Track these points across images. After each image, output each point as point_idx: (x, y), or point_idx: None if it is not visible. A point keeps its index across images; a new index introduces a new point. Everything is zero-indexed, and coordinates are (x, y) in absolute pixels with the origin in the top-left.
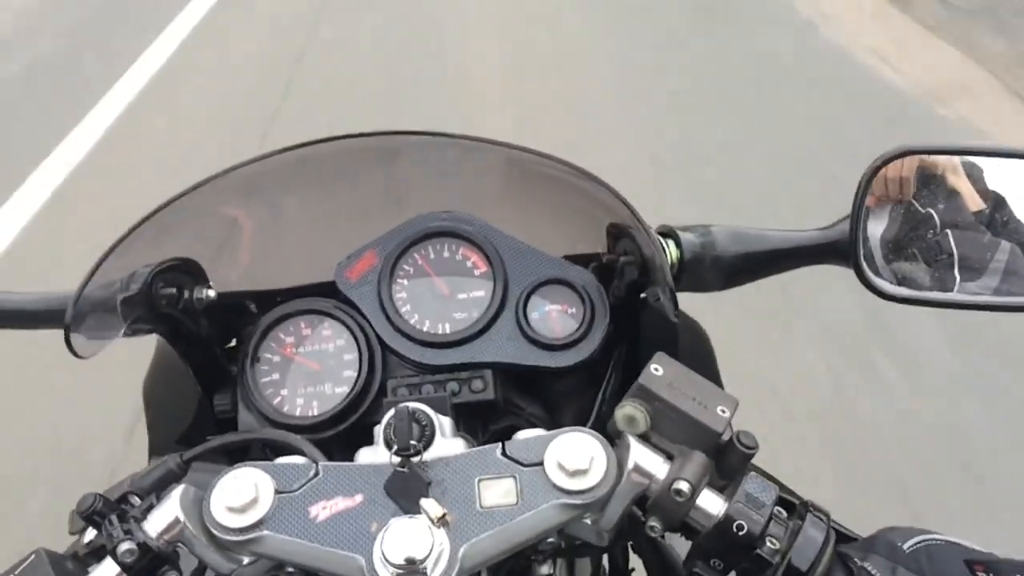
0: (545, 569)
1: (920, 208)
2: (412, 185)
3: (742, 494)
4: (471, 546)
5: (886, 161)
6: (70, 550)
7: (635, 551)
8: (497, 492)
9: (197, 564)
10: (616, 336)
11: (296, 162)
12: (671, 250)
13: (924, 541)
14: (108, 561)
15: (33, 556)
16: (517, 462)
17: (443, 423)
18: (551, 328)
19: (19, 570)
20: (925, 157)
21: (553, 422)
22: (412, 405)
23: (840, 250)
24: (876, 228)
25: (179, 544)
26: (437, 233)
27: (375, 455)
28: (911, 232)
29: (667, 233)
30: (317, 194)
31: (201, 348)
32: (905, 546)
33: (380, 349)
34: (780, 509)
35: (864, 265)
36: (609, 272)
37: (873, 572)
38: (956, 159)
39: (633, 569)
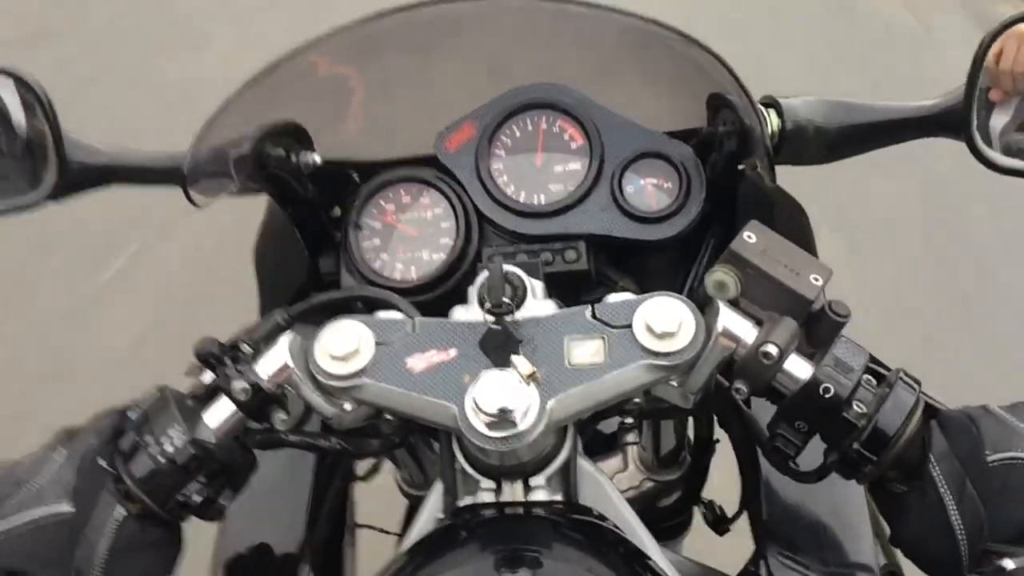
0: (631, 437)
1: None
2: (512, 56)
3: (831, 358)
4: (559, 400)
5: (1006, 25)
6: (189, 391)
7: (720, 425)
8: (586, 351)
9: (303, 408)
10: (712, 212)
11: (400, 27)
12: (772, 119)
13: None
14: (223, 399)
15: (157, 393)
16: (606, 324)
17: (535, 286)
18: (646, 201)
19: (144, 405)
20: None
21: None
22: (505, 267)
23: (952, 121)
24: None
25: (286, 388)
26: (535, 105)
27: (468, 313)
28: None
29: (769, 103)
30: (420, 62)
31: (308, 211)
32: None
33: (476, 218)
34: (869, 377)
35: (977, 136)
36: (708, 146)
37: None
38: None
39: (718, 440)
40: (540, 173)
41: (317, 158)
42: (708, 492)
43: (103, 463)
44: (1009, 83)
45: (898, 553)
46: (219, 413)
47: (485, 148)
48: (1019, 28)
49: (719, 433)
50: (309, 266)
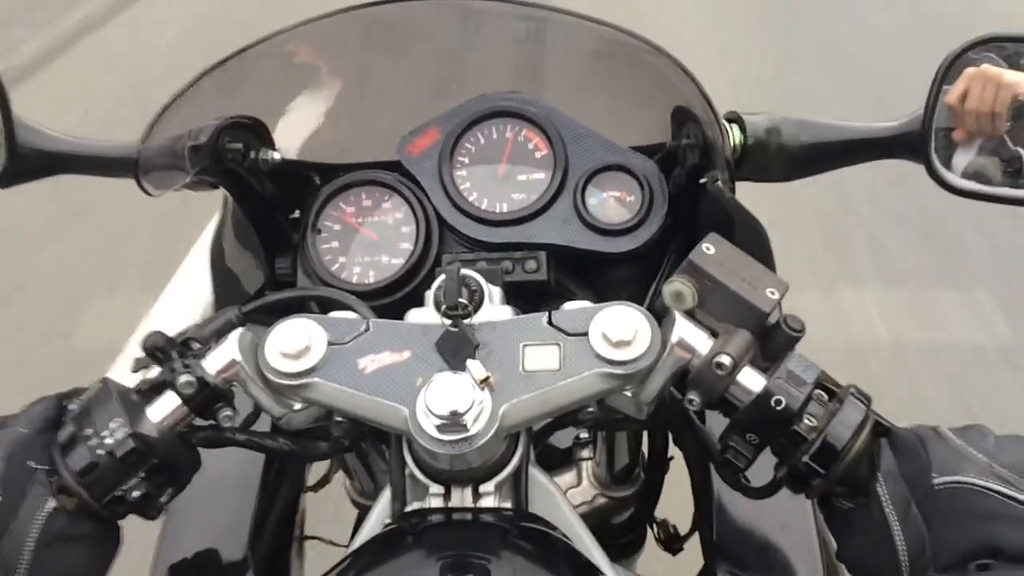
0: (586, 452)
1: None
2: (479, 61)
3: (783, 371)
4: (512, 406)
5: (966, 49)
6: (135, 387)
7: (675, 443)
8: (541, 358)
9: (252, 407)
10: (674, 227)
11: (368, 22)
12: (735, 134)
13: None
14: (169, 393)
15: (100, 385)
16: (562, 331)
17: (492, 291)
18: (608, 214)
19: (84, 397)
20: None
21: None
22: (463, 270)
23: (911, 144)
24: (947, 123)
25: (234, 385)
26: (501, 113)
27: (424, 316)
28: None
29: (733, 118)
30: (386, 64)
31: (265, 210)
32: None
33: (438, 224)
34: (821, 392)
35: (935, 159)
36: (671, 161)
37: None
38: None
39: (672, 457)
40: (503, 181)
41: (277, 155)
42: (661, 511)
43: (36, 453)
44: (974, 124)
45: (844, 571)
46: (163, 407)
47: (448, 154)
48: (982, 70)
49: (673, 451)
50: (264, 265)
